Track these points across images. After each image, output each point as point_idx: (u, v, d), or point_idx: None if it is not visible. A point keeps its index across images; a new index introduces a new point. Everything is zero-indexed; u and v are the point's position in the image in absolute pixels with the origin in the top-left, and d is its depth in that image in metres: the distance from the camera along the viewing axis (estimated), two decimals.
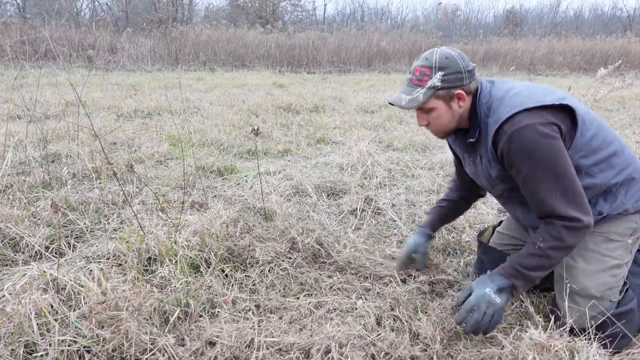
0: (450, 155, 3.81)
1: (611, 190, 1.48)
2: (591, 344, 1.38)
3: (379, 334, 1.52)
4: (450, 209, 1.98)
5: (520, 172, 1.41)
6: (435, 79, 1.44)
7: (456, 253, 2.23)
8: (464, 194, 1.95)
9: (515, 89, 1.46)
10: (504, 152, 1.42)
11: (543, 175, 1.37)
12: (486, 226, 2.11)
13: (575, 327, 1.46)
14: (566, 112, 1.41)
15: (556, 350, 1.32)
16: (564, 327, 1.42)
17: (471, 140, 1.54)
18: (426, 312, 1.67)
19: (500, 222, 2.01)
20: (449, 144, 1.86)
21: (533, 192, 1.41)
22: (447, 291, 1.85)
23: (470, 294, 1.49)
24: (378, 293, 1.82)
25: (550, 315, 1.58)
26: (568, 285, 1.51)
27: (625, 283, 1.54)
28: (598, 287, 1.49)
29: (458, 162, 1.88)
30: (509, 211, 1.75)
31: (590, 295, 1.49)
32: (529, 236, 1.75)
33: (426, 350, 1.48)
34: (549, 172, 1.36)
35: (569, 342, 1.37)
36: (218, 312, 1.66)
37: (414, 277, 1.92)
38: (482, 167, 1.59)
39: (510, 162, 1.42)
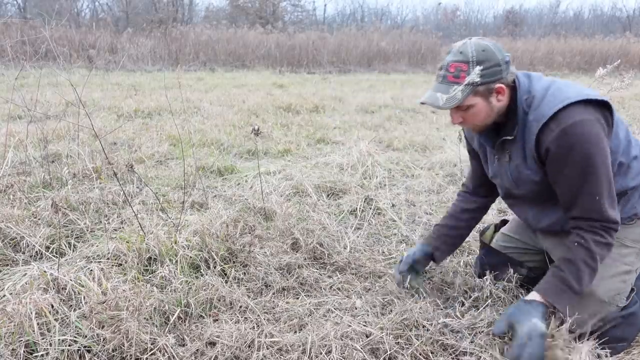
0: (449, 156, 3.82)
1: (626, 194, 1.45)
2: (589, 342, 1.38)
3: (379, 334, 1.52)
4: (469, 221, 1.83)
5: (563, 171, 1.35)
6: (474, 75, 1.34)
7: (456, 253, 2.23)
8: (482, 200, 1.81)
9: (555, 84, 1.40)
10: (550, 150, 1.35)
11: (590, 175, 1.32)
12: (487, 225, 2.09)
13: (576, 327, 1.44)
14: (606, 108, 1.35)
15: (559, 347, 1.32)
16: (563, 325, 1.42)
17: (508, 137, 1.45)
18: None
19: (502, 220, 1.97)
20: (466, 140, 1.76)
21: (576, 191, 1.35)
22: (448, 290, 1.86)
23: (508, 322, 1.38)
24: (378, 292, 1.82)
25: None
26: None
27: (632, 289, 1.52)
28: (607, 292, 1.46)
29: (478, 160, 1.73)
30: (518, 213, 1.70)
31: (598, 299, 1.46)
32: (536, 239, 1.72)
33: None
34: (597, 173, 1.31)
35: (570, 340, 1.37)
36: (218, 312, 1.66)
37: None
38: (511, 166, 1.50)
39: (556, 160, 1.35)
